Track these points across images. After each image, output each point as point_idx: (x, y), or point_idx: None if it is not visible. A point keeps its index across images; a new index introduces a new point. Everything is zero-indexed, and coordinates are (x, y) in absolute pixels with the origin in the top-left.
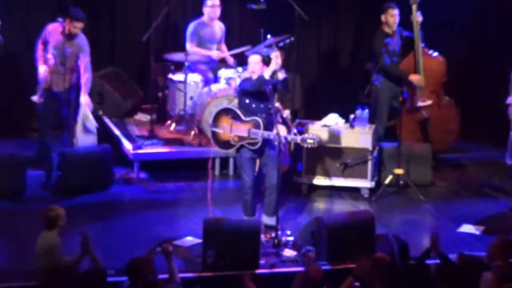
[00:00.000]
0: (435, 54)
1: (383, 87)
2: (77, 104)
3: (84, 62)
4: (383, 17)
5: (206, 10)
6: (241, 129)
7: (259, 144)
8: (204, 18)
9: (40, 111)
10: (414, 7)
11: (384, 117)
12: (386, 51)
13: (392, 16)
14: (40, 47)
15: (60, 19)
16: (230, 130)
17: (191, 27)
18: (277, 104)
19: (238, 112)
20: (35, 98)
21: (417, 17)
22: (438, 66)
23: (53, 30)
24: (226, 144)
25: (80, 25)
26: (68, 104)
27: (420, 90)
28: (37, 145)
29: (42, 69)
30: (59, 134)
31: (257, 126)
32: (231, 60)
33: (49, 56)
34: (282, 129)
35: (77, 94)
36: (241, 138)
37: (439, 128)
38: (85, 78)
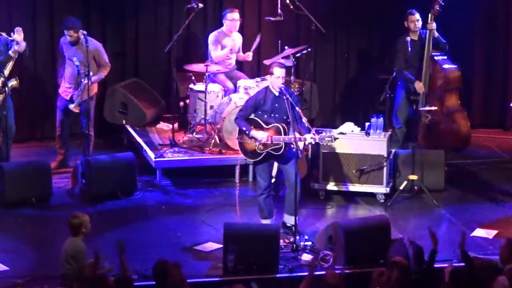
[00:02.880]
0: (444, 61)
1: (401, 90)
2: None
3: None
4: (405, 23)
5: (226, 23)
6: None
7: (282, 149)
8: (224, 29)
9: (60, 120)
10: (430, 15)
11: (402, 119)
12: (405, 56)
13: (412, 22)
14: (61, 63)
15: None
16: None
17: (212, 36)
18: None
19: (259, 121)
20: (74, 108)
21: (430, 24)
22: (442, 74)
23: (64, 42)
24: (253, 153)
25: (70, 32)
26: (88, 114)
27: (424, 96)
28: (57, 154)
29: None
30: (79, 143)
31: (278, 132)
32: (250, 56)
33: (67, 67)
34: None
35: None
36: (265, 146)
37: (440, 134)
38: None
